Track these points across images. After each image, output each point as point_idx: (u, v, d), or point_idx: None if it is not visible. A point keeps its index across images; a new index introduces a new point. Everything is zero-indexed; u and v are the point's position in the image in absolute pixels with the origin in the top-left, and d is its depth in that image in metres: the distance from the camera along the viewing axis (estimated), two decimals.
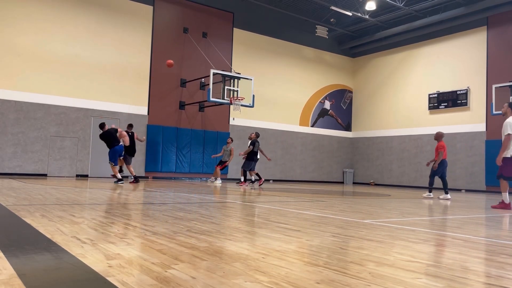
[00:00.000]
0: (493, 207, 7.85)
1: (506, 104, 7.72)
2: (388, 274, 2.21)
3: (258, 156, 14.42)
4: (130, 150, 12.75)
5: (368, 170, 22.75)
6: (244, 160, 13.74)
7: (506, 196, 7.69)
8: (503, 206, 7.71)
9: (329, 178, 22.72)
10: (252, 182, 14.30)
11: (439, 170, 10.74)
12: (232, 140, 15.50)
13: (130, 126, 13.51)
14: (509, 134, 7.36)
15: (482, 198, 12.35)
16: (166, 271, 2.10)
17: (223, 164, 15.32)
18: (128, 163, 12.62)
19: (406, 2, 18.76)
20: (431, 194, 10.98)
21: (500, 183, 7.70)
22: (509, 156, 7.45)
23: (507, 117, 7.61)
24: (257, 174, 14.10)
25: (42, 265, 2.18)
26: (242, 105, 15.95)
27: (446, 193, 10.62)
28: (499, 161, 7.49)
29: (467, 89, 18.56)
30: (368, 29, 22.09)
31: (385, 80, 22.26)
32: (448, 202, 9.24)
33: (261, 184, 13.79)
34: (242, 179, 13.69)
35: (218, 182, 15.17)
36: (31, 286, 1.79)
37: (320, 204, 7.06)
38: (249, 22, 19.99)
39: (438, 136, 11.00)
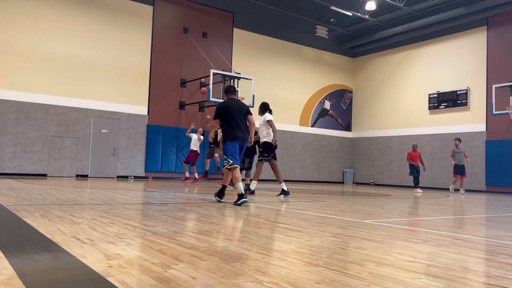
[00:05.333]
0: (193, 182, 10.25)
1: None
2: (388, 274, 2.21)
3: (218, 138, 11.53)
4: None
5: (368, 170, 22.75)
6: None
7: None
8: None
9: (329, 178, 22.71)
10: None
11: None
12: None
13: None
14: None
15: (482, 198, 12.34)
16: (166, 271, 2.10)
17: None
18: None
19: (406, 2, 18.76)
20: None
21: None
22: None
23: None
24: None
25: (42, 265, 2.18)
26: None
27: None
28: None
29: (467, 89, 18.56)
30: (368, 29, 22.09)
31: (385, 80, 22.26)
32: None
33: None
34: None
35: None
36: (31, 286, 1.78)
37: (320, 204, 7.06)
38: (249, 22, 19.99)
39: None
